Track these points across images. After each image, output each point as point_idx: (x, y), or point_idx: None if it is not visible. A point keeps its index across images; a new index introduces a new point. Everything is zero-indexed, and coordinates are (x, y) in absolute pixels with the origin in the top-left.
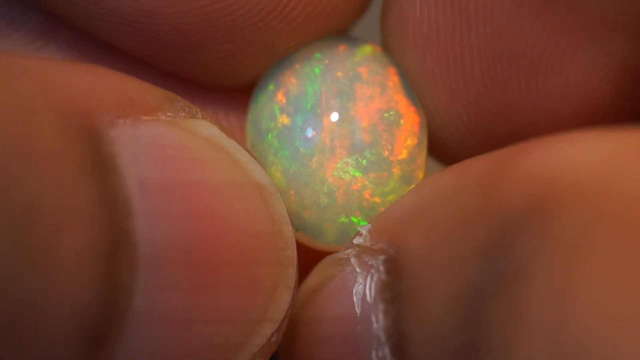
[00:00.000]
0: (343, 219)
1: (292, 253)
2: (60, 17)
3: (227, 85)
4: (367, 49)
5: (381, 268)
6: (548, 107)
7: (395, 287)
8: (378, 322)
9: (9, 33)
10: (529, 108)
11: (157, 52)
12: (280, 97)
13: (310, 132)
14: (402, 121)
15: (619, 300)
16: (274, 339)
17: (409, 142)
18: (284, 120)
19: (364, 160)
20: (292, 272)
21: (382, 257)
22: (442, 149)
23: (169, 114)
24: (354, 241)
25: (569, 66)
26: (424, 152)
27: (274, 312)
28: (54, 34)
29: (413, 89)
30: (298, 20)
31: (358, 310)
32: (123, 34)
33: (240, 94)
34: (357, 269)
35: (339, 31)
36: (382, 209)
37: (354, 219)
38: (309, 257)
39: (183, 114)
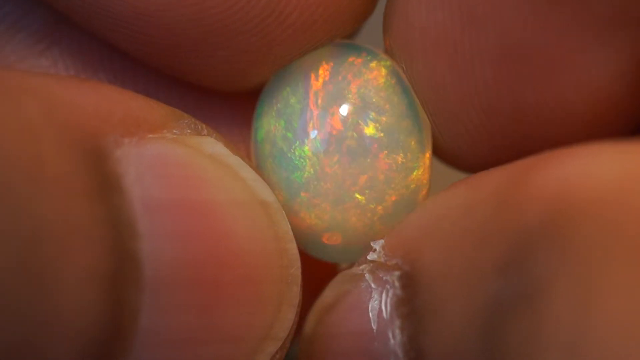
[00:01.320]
0: (346, 237)
1: (297, 271)
2: (62, 14)
3: (230, 90)
4: (366, 57)
5: (396, 284)
6: (562, 105)
7: (411, 303)
8: (395, 338)
9: (13, 34)
10: (543, 107)
11: (156, 55)
12: (275, 112)
13: (305, 150)
14: (398, 133)
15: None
16: (277, 356)
17: (408, 162)
18: (280, 138)
19: (363, 178)
20: (296, 290)
21: (397, 273)
22: (452, 154)
23: (174, 131)
24: (368, 257)
25: (582, 63)
26: (427, 169)
27: (278, 330)
28: (57, 36)
29: (419, 95)
30: (294, 27)
31: (374, 326)
32: (121, 35)
33: (244, 100)
34: (372, 285)
35: (342, 36)
36: (386, 228)
37: (357, 239)
38: (316, 271)
39: (188, 131)
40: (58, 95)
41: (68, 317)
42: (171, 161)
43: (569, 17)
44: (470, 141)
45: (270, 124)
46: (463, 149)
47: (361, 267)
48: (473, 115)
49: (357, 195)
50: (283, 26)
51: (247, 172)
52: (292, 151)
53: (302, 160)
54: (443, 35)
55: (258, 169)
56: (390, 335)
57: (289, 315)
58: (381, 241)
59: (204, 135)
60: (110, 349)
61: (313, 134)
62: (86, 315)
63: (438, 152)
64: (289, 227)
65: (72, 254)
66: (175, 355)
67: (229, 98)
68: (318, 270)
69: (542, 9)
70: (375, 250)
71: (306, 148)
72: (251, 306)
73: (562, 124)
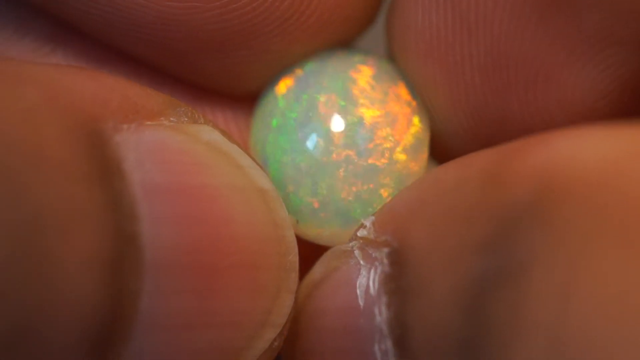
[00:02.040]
0: (344, 210)
1: (294, 258)
2: (72, 24)
3: (234, 93)
4: (369, 55)
5: (385, 261)
6: (546, 118)
7: (398, 280)
8: (381, 315)
9: (18, 39)
10: (527, 119)
11: (169, 59)
12: (282, 102)
13: (311, 138)
14: (403, 124)
15: (620, 298)
16: (276, 343)
17: (410, 145)
18: (286, 125)
19: (366, 163)
20: (294, 276)
21: (386, 250)
22: (444, 153)
23: (171, 119)
24: (358, 233)
25: (567, 78)
26: (426, 154)
27: (276, 316)
28: (61, 40)
29: (417, 95)
30: (313, 28)
31: (361, 303)
32: (138, 41)
33: (243, 102)
34: (361, 262)
35: (348, 40)
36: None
37: (356, 214)
38: (309, 251)
39: (185, 119)
40: (57, 82)
41: (69, 301)
42: (170, 147)
43: (557, 32)
44: (458, 141)
45: (272, 111)
46: (452, 148)
47: (351, 244)
48: (461, 116)
49: (357, 175)
50: (303, 27)
51: (244, 160)
52: (296, 148)
53: (305, 156)
54: (436, 37)
55: (257, 155)
56: (377, 312)
57: (287, 302)
58: (372, 217)
59: (201, 123)
60: (111, 333)
61: (317, 130)
62: (87, 299)
63: (432, 152)
64: (287, 214)
65: (73, 238)
66: (174, 340)
67: (230, 100)
68: (313, 258)
69: (532, 22)
70: (365, 226)
71: (309, 146)
72: (250, 292)
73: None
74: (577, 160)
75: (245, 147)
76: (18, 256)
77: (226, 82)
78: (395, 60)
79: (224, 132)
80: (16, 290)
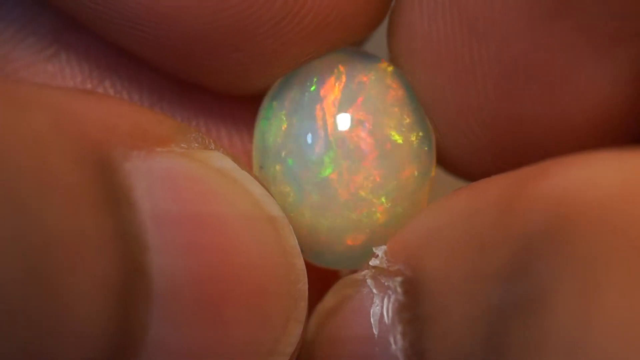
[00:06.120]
0: (348, 242)
1: (304, 286)
2: (71, 18)
3: (235, 94)
4: (376, 66)
5: (398, 289)
6: (561, 117)
7: (413, 309)
8: (396, 344)
9: (21, 38)
10: (543, 119)
11: (166, 57)
12: (286, 115)
13: (318, 153)
14: (410, 142)
15: (637, 322)
16: None
17: (416, 164)
18: (291, 140)
19: (373, 183)
20: (303, 305)
21: (399, 279)
22: (454, 162)
23: (182, 145)
24: (370, 263)
25: (580, 77)
26: (432, 172)
27: (284, 345)
28: (65, 42)
29: (422, 104)
30: (308, 29)
31: (375, 332)
32: (133, 37)
33: (246, 104)
34: (374, 290)
35: (352, 43)
36: (389, 232)
37: (361, 243)
38: (318, 276)
39: (196, 145)
40: (66, 107)
41: (77, 326)
42: (181, 175)
43: (569, 32)
44: (470, 150)
45: (279, 126)
46: (463, 157)
47: (363, 273)
48: (473, 125)
49: (365, 194)
50: (297, 29)
51: (255, 187)
52: (305, 154)
53: (315, 163)
54: (445, 46)
55: (261, 170)
56: (392, 341)
57: (296, 331)
58: (383, 247)
59: (212, 149)
60: None
61: (326, 138)
62: (95, 325)
63: (439, 160)
64: (297, 242)
65: (82, 265)
66: None
67: (229, 101)
68: (321, 280)
69: (543, 24)
70: (377, 256)
71: (319, 152)
72: (259, 321)
73: (562, 136)
74: (592, 186)
75: (248, 156)
76: (26, 278)
77: (227, 83)
78: (399, 67)
79: (234, 158)
80: (27, 312)
